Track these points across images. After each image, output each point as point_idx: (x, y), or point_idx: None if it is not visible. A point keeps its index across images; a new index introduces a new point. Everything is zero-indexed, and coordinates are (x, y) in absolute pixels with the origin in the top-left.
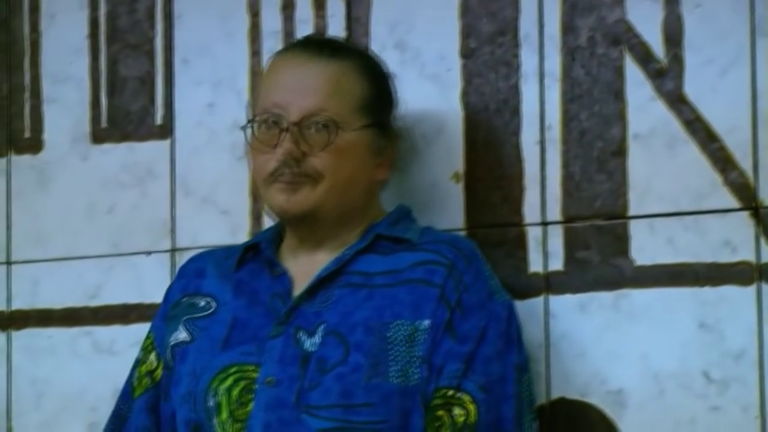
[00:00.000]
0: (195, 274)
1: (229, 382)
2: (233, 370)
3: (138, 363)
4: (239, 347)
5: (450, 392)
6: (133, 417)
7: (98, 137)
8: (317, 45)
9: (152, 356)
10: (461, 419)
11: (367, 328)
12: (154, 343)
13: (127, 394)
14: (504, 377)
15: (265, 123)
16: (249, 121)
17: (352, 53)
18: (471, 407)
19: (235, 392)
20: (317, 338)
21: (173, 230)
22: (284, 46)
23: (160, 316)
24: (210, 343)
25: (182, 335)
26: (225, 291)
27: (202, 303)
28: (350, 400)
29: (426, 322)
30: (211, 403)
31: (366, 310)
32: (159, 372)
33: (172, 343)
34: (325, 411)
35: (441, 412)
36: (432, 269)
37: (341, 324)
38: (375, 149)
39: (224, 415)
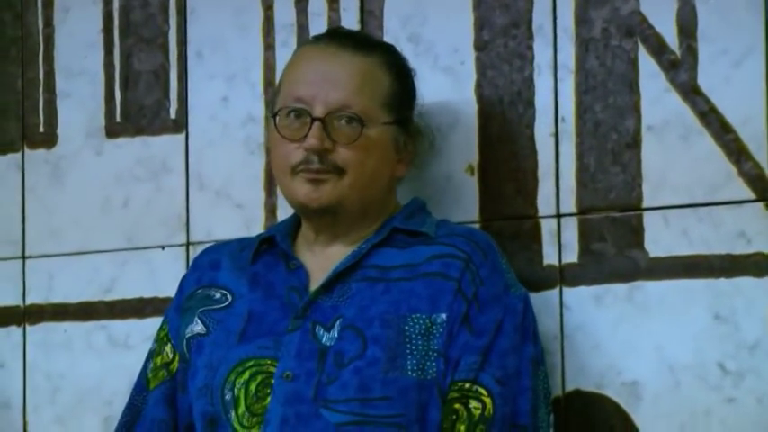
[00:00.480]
0: (210, 265)
1: (246, 375)
2: (250, 363)
3: (153, 354)
4: (256, 341)
5: (467, 385)
6: (149, 408)
7: (112, 131)
8: (344, 38)
9: (167, 348)
10: (478, 412)
11: (384, 321)
12: (169, 335)
13: (141, 386)
14: (519, 370)
15: (290, 115)
16: (275, 113)
17: (377, 48)
18: (487, 400)
19: (252, 386)
20: (334, 333)
21: (187, 224)
22: (310, 37)
23: (174, 307)
24: (226, 336)
25: (197, 327)
26: (240, 283)
27: (218, 295)
28: (367, 393)
29: (443, 316)
30: (228, 397)
31: (383, 304)
32: (175, 364)
33: (188, 335)
34: (342, 405)
35: (457, 405)
36: (448, 262)
37: (358, 318)
38: (397, 146)
39: (241, 409)
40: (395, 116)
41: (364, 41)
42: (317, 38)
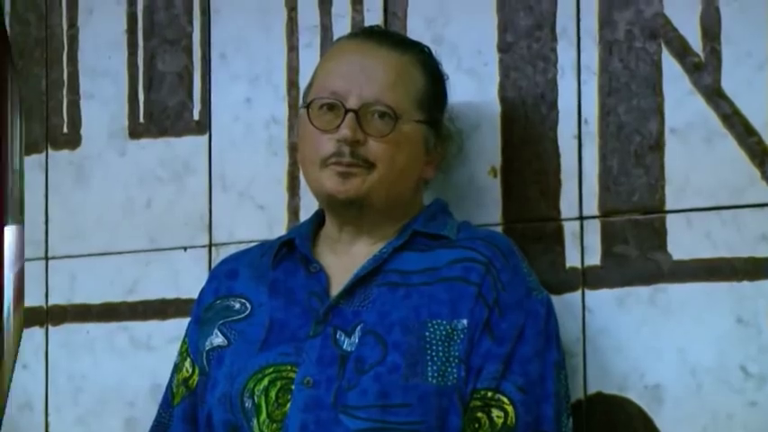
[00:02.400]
0: (227, 275)
1: (265, 382)
2: (269, 370)
3: (176, 369)
4: (277, 348)
5: (489, 394)
6: (173, 427)
7: (135, 132)
8: (381, 35)
9: (186, 363)
10: (500, 421)
11: (405, 327)
12: (189, 349)
13: (167, 401)
14: (543, 376)
15: (323, 108)
16: (308, 104)
17: (414, 47)
18: (509, 408)
19: (272, 393)
20: (354, 338)
21: (210, 226)
22: (347, 34)
23: (194, 320)
24: (247, 345)
25: (217, 339)
26: (260, 291)
27: (237, 306)
28: (387, 400)
29: (464, 322)
30: (249, 404)
31: (404, 310)
32: (195, 379)
33: (207, 348)
34: (362, 412)
35: (479, 414)
36: (469, 267)
37: (378, 324)
38: (427, 146)
39: (263, 416)
40: (427, 116)
41: (401, 40)
42: (354, 34)
